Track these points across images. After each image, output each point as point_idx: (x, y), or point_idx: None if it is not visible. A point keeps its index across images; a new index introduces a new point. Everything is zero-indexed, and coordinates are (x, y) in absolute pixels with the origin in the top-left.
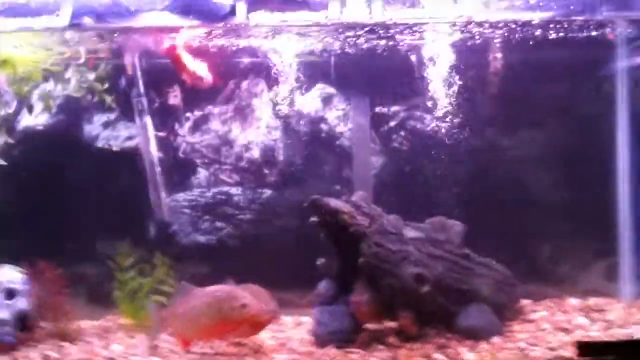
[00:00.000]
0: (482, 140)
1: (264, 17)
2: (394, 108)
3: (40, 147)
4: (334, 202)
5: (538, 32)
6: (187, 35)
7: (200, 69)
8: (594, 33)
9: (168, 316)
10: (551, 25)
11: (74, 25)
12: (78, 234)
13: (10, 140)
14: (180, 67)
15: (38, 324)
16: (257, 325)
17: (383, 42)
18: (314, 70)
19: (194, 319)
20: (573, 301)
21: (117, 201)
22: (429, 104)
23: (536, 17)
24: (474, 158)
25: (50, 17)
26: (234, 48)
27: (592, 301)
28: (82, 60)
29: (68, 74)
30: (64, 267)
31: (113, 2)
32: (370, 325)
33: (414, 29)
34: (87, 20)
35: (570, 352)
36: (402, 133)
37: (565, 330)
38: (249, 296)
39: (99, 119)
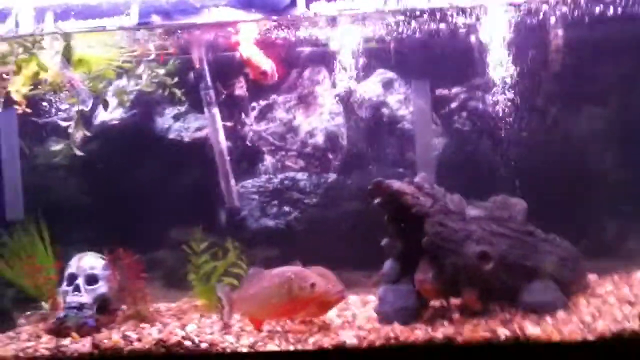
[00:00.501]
0: (544, 118)
1: (323, 7)
2: (455, 90)
3: (116, 140)
4: (396, 184)
5: (596, 9)
6: (250, 29)
7: (264, 64)
8: None
9: (239, 298)
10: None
11: (143, 23)
12: (154, 222)
13: (88, 134)
14: (246, 62)
15: (118, 308)
16: (326, 304)
17: (441, 25)
18: (374, 56)
19: (264, 300)
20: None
21: (189, 189)
22: (489, 84)
23: None
24: (537, 136)
25: (121, 18)
26: (295, 38)
27: None
28: (152, 57)
29: (139, 70)
30: (141, 253)
31: (179, 0)
32: (434, 303)
33: (471, 10)
34: (155, 19)
35: (635, 324)
36: (464, 114)
37: (631, 304)
38: (317, 276)
39: (170, 112)
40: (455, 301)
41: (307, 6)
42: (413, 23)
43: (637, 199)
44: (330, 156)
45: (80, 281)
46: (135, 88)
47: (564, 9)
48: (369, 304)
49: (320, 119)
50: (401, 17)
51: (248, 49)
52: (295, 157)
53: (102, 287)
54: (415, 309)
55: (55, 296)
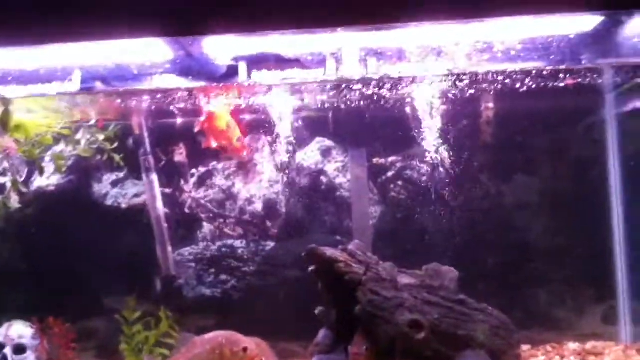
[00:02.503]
0: (477, 187)
1: (263, 76)
2: (391, 158)
3: (52, 206)
4: (329, 251)
5: (523, 82)
6: (222, 99)
7: (238, 134)
8: (578, 80)
9: None
10: (534, 75)
11: (85, 89)
12: (88, 290)
13: (22, 202)
14: (217, 133)
15: None
16: None
17: (377, 95)
18: (312, 125)
19: None
20: (572, 345)
21: (125, 257)
22: (424, 153)
23: (519, 67)
24: (469, 205)
25: (62, 83)
26: (235, 106)
27: (590, 345)
28: (92, 122)
29: (78, 136)
30: (73, 322)
31: (117, 67)
32: None
33: (407, 82)
34: (98, 85)
35: None
36: (400, 182)
37: None
38: (249, 340)
39: (109, 177)
40: None
41: (249, 75)
42: (350, 93)
43: (569, 268)
44: (269, 224)
45: (7, 351)
46: (73, 153)
47: (490, 83)
48: None
49: (259, 187)
50: (340, 88)
51: (223, 120)
52: (234, 224)
53: (30, 357)
54: None
55: None
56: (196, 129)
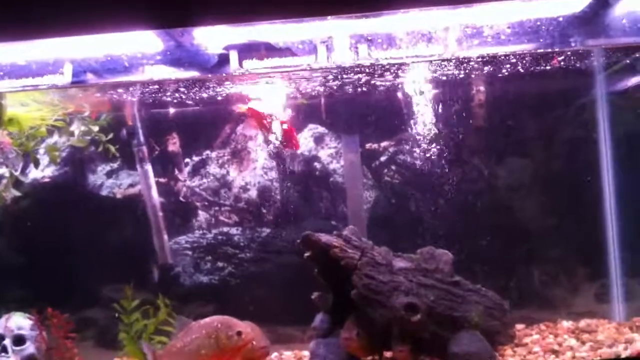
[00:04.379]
0: (470, 170)
1: (255, 64)
2: (384, 143)
3: (47, 198)
4: (324, 237)
5: (513, 65)
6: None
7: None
8: (568, 62)
9: (168, 352)
10: (526, 58)
11: (77, 81)
12: (85, 280)
13: (18, 194)
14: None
15: None
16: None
17: (369, 81)
18: (305, 112)
19: (193, 352)
20: (565, 324)
21: (121, 246)
22: (416, 138)
23: (509, 50)
24: (463, 187)
25: (55, 76)
26: (228, 95)
27: (584, 323)
28: (86, 114)
29: (72, 127)
30: (72, 312)
31: (108, 59)
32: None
33: (398, 68)
34: (90, 77)
35: None
36: (393, 167)
37: (556, 353)
38: (244, 324)
39: (103, 168)
40: (387, 354)
41: (240, 64)
42: (342, 80)
43: (562, 248)
44: (264, 211)
45: (7, 342)
46: (67, 144)
47: (481, 67)
48: (302, 359)
49: (254, 174)
50: (331, 75)
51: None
52: (229, 212)
53: (29, 348)
54: None
55: None
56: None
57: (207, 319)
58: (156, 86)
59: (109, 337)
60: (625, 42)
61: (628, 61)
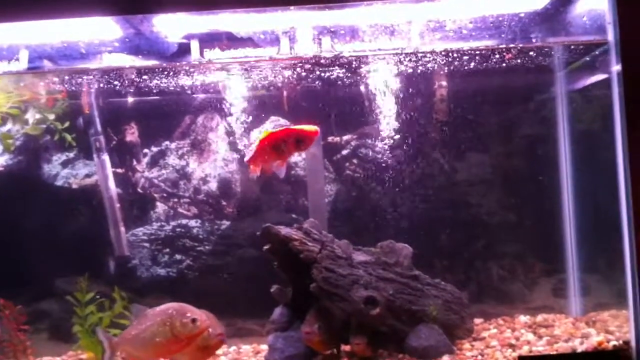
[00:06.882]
0: (430, 164)
1: (216, 54)
2: (346, 137)
3: (0, 187)
4: (284, 230)
5: (475, 61)
6: None
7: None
8: (528, 59)
9: (122, 340)
10: (486, 53)
11: (33, 68)
12: (40, 272)
13: None
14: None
15: None
16: (207, 349)
17: (332, 74)
18: (267, 103)
19: (147, 340)
20: (523, 318)
21: (77, 238)
22: (378, 131)
23: (471, 45)
24: (422, 181)
25: (10, 63)
26: (188, 85)
27: (541, 317)
28: (42, 101)
29: (27, 115)
30: (24, 304)
31: (65, 45)
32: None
33: (360, 60)
34: (47, 63)
35: None
36: (355, 161)
37: (513, 347)
38: (199, 311)
39: (59, 158)
40: (346, 348)
41: (202, 53)
42: (304, 72)
43: (521, 243)
44: (224, 203)
45: None
46: (21, 132)
47: (442, 61)
48: (260, 353)
49: (214, 166)
50: (294, 66)
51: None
52: (188, 204)
53: None
54: (305, 356)
55: None
56: None
57: (163, 306)
58: (114, 74)
59: (64, 330)
60: (585, 39)
61: (588, 59)
